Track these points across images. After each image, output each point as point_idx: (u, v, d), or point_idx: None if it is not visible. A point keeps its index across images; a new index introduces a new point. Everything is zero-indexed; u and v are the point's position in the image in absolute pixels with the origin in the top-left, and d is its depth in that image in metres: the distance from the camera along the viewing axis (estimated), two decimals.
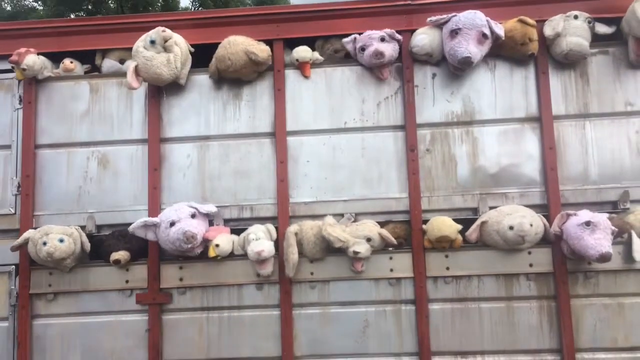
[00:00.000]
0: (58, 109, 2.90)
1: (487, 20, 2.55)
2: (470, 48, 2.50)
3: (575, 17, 2.63)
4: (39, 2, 11.52)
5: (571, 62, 2.68)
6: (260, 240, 2.59)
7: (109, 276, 2.73)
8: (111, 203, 2.81)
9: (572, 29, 2.61)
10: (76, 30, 2.90)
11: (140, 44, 2.64)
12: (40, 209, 2.82)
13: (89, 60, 2.96)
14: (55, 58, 2.93)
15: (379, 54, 2.59)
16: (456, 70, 2.68)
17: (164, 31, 2.60)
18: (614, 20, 2.67)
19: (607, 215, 2.50)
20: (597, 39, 2.72)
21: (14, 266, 2.74)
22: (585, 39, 2.62)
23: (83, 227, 2.77)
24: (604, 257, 2.31)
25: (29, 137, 2.84)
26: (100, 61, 2.95)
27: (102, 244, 2.75)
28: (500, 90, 2.74)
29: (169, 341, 2.72)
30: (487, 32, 2.54)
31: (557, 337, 2.57)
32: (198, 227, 2.55)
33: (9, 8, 11.90)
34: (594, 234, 2.37)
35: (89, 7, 9.48)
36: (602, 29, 2.68)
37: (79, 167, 2.84)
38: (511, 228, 2.48)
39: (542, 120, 2.67)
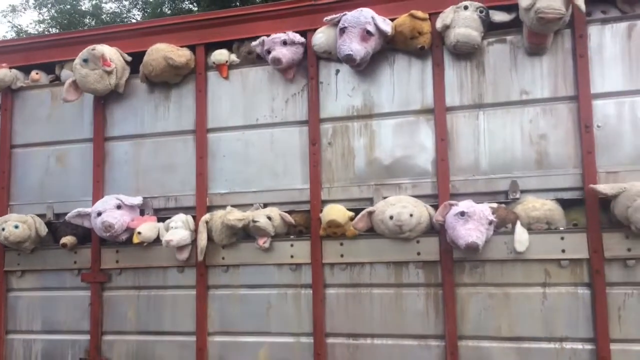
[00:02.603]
0: (28, 114, 3.90)
1: (372, 18, 3.07)
2: (352, 46, 3.05)
3: (465, 7, 3.06)
4: (194, 4, 13.35)
5: (464, 53, 3.08)
6: (177, 229, 3.36)
7: (61, 257, 3.67)
8: (66, 194, 3.74)
9: (461, 20, 3.04)
10: (38, 45, 3.86)
11: (77, 60, 3.51)
12: (14, 200, 3.81)
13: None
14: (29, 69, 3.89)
15: (276, 61, 3.24)
16: (354, 66, 3.21)
17: (93, 49, 3.43)
18: (514, 7, 3.00)
19: (488, 205, 2.91)
20: (497, 27, 3.10)
21: None
22: (475, 29, 3.03)
23: (44, 216, 3.69)
24: (470, 247, 2.77)
25: (6, 139, 3.84)
26: (60, 71, 3.87)
27: (56, 230, 3.68)
28: (399, 84, 3.25)
29: (108, 315, 3.60)
30: (372, 29, 3.06)
31: (442, 323, 3.03)
32: (120, 218, 3.38)
33: (168, 12, 13.89)
34: (467, 224, 2.82)
35: (237, 3, 10.91)
36: (498, 17, 3.08)
37: (42, 163, 3.82)
38: (391, 218, 3.00)
39: (435, 112, 3.12)
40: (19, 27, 18.91)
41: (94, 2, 17.94)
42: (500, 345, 2.99)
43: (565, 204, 2.98)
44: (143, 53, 3.59)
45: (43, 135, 3.88)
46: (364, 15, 3.10)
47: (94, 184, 3.70)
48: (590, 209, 2.87)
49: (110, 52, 3.60)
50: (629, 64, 2.94)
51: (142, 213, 3.62)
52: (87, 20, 17.51)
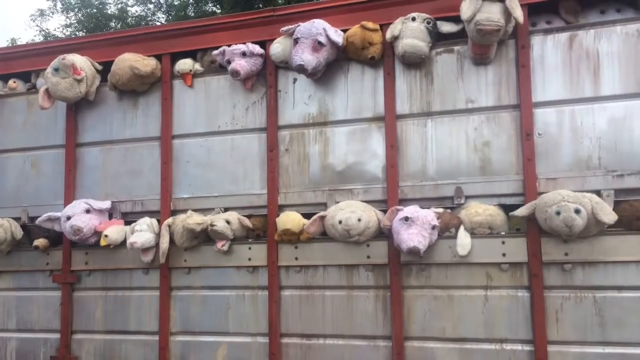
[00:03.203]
0: (5, 121, 4.17)
1: (323, 29, 3.28)
2: (304, 56, 3.27)
3: (413, 19, 3.26)
4: (217, 6, 13.77)
5: (412, 63, 3.28)
6: (141, 232, 3.60)
7: (35, 259, 3.94)
8: (40, 198, 4.00)
9: (408, 31, 3.24)
10: (15, 55, 4.13)
11: (49, 69, 3.77)
12: None
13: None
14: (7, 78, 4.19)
15: (234, 73, 3.47)
16: (309, 76, 3.43)
17: (63, 59, 3.68)
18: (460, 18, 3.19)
19: (434, 210, 3.11)
20: (445, 38, 3.30)
21: None
22: (422, 40, 3.23)
23: (19, 219, 3.96)
24: (412, 251, 2.97)
25: None
26: (36, 80, 4.14)
27: (30, 232, 3.95)
28: (352, 92, 3.45)
29: (77, 314, 3.86)
30: (323, 40, 3.27)
31: (390, 325, 3.22)
32: (88, 221, 3.63)
33: (192, 14, 14.37)
34: (410, 229, 3.02)
35: (260, 5, 11.27)
36: (446, 27, 3.28)
37: (18, 168, 4.09)
38: (340, 222, 3.21)
39: (386, 119, 3.32)
40: (46, 30, 19.51)
41: (119, 6, 18.47)
42: (444, 346, 3.18)
43: (509, 209, 3.15)
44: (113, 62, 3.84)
45: (19, 142, 4.14)
46: (316, 26, 3.31)
47: (65, 189, 3.95)
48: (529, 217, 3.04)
49: (81, 61, 3.85)
50: (569, 73, 3.11)
51: (110, 217, 3.85)
52: (113, 24, 18.00)
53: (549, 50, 3.15)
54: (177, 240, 3.58)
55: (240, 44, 3.59)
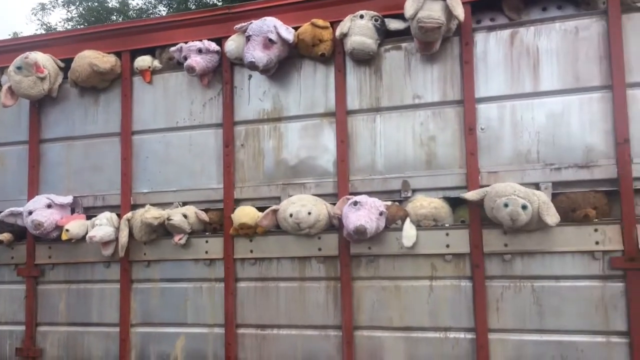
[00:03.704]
0: None
1: (274, 26, 3.38)
2: (255, 53, 3.37)
3: (361, 16, 3.36)
4: None
5: (361, 60, 3.39)
6: (101, 226, 3.72)
7: (0, 253, 4.02)
8: (4, 193, 4.11)
9: (356, 29, 3.35)
10: None
11: (11, 67, 3.86)
12: None
13: None
14: None
15: (190, 69, 3.57)
16: (262, 72, 3.54)
17: (26, 57, 3.78)
18: None
19: (383, 203, 3.22)
20: (394, 35, 3.41)
21: None
22: (369, 37, 3.34)
23: None
24: (358, 230, 3.07)
25: None
26: (0, 77, 4.24)
27: None
28: (305, 88, 3.57)
29: (42, 307, 3.97)
30: (274, 37, 3.38)
31: (340, 315, 3.35)
32: (50, 216, 3.74)
33: (193, 7, 14.39)
34: (358, 212, 3.14)
35: None
36: (394, 25, 3.39)
37: None
38: (291, 215, 3.33)
39: (337, 115, 3.44)
40: (47, 24, 19.53)
41: None
42: (391, 335, 3.31)
43: (455, 202, 3.28)
44: None
45: None
46: (267, 24, 3.41)
47: (29, 184, 4.06)
48: (472, 207, 3.16)
49: (44, 59, 3.95)
50: (510, 69, 3.23)
51: (73, 212, 3.97)
52: (114, 17, 18.02)
53: (491, 47, 3.26)
54: (136, 234, 3.69)
55: (196, 41, 3.67)
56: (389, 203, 3.31)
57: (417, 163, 3.33)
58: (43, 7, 19.67)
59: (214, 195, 3.69)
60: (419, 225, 3.24)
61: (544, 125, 3.13)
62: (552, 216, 2.89)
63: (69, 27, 18.43)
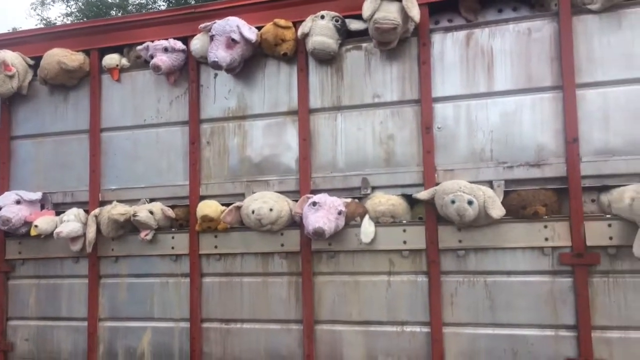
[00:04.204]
0: None
1: (237, 26, 3.47)
2: (218, 53, 3.46)
3: (322, 17, 3.46)
4: None
5: (322, 59, 3.49)
6: (68, 222, 3.81)
7: None
8: None
9: (317, 29, 3.44)
10: None
11: None
12: None
13: None
14: None
15: (155, 67, 3.66)
16: (226, 71, 3.63)
17: None
18: None
19: (343, 200, 3.33)
20: (356, 35, 3.50)
21: None
22: (330, 37, 3.43)
23: None
24: (317, 232, 3.17)
25: None
26: None
27: None
28: (269, 87, 3.66)
29: (12, 302, 4.06)
30: (236, 37, 3.47)
31: (302, 309, 3.46)
32: (18, 212, 3.83)
33: (192, 1, 14.35)
34: (317, 213, 3.24)
35: None
36: (355, 25, 3.48)
37: None
38: (253, 212, 3.43)
39: (299, 113, 3.53)
40: (47, 19, 19.49)
41: None
42: (350, 329, 3.42)
43: (414, 199, 3.37)
44: None
45: None
46: (230, 24, 3.50)
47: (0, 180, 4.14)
48: (428, 204, 3.27)
49: (12, 57, 4.03)
50: (466, 69, 3.33)
51: (43, 208, 4.05)
52: (114, 12, 18.00)
53: (448, 47, 3.36)
54: (104, 230, 3.78)
55: (163, 40, 3.76)
56: (349, 200, 3.40)
57: (376, 161, 3.43)
58: (43, 2, 19.63)
59: (181, 192, 3.78)
60: (377, 222, 3.34)
61: (498, 125, 3.24)
62: (496, 209, 3.00)
63: (69, 22, 18.40)
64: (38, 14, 20.02)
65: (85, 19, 17.09)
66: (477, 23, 3.35)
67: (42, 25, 18.48)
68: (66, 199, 4.02)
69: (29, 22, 27.40)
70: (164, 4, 17.67)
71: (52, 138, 4.12)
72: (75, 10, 18.77)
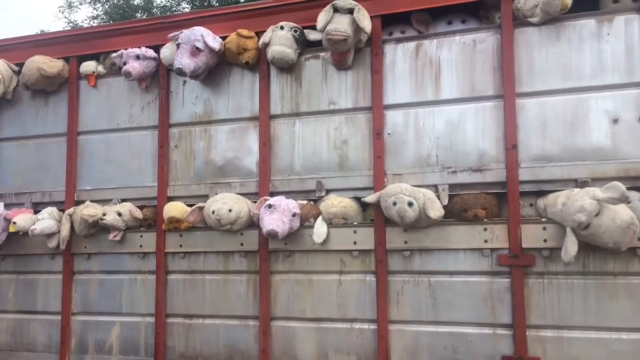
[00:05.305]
0: None
1: (201, 35, 3.72)
2: (183, 60, 3.71)
3: (282, 27, 3.69)
4: None
5: (282, 68, 3.73)
6: (43, 220, 4.08)
7: None
8: None
9: (277, 39, 3.68)
10: None
11: None
12: None
13: None
14: None
15: (126, 74, 3.92)
16: (192, 78, 3.88)
17: None
18: None
19: (299, 202, 3.55)
20: (315, 45, 3.74)
21: None
22: (289, 47, 3.67)
23: None
24: (270, 234, 3.40)
25: None
26: None
27: None
28: (233, 94, 3.90)
29: None
30: (200, 45, 3.72)
31: (259, 306, 3.68)
32: None
33: (216, 3, 14.82)
34: (272, 215, 3.47)
35: None
36: (313, 35, 3.71)
37: None
38: (213, 212, 3.67)
39: (260, 119, 3.77)
40: (74, 22, 20.09)
41: None
42: (304, 325, 3.62)
43: (366, 202, 3.58)
44: None
45: None
46: (195, 33, 3.75)
47: None
48: (377, 207, 3.48)
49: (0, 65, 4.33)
50: (415, 78, 3.54)
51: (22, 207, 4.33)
52: (139, 14, 18.49)
53: (399, 57, 3.58)
54: (77, 228, 4.05)
55: (135, 48, 4.02)
56: (305, 202, 3.62)
57: (330, 165, 3.65)
58: (70, 5, 20.19)
59: (150, 193, 4.03)
60: (330, 223, 3.56)
61: (443, 131, 3.44)
62: (435, 210, 3.20)
63: (95, 24, 18.91)
64: (65, 17, 20.60)
65: (111, 21, 17.56)
66: (427, 35, 3.55)
67: (69, 28, 19.01)
68: (44, 198, 4.29)
69: (57, 24, 28.07)
70: (187, 6, 18.05)
71: (33, 141, 4.40)
72: (102, 12, 19.27)
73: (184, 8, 18.17)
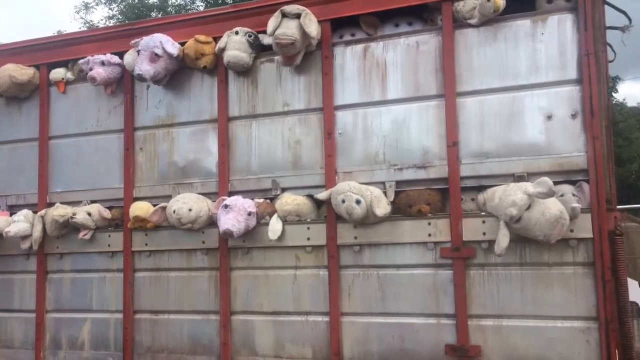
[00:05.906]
0: None
1: (160, 42, 3.90)
2: (142, 66, 3.90)
3: (236, 32, 3.87)
4: None
5: (238, 71, 3.90)
6: (17, 222, 4.29)
7: None
8: None
9: (232, 43, 3.85)
10: None
11: None
12: None
13: None
14: None
15: (91, 79, 4.11)
16: (154, 82, 4.07)
17: None
18: None
19: (255, 200, 3.74)
20: (270, 49, 3.91)
21: None
22: (243, 51, 3.84)
23: None
24: (226, 233, 3.59)
25: None
26: None
27: None
28: (194, 97, 4.09)
29: None
30: (159, 51, 3.90)
31: (219, 301, 3.87)
32: None
33: (230, 1, 15.05)
34: (228, 215, 3.65)
35: None
36: (267, 40, 3.87)
37: None
38: (174, 212, 3.86)
39: (219, 121, 3.96)
40: (90, 22, 20.42)
41: None
42: (262, 319, 3.80)
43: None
44: None
45: None
46: (153, 40, 3.93)
47: None
48: (329, 204, 3.64)
49: None
50: (363, 80, 3.70)
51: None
52: (154, 13, 18.75)
53: (348, 59, 3.74)
54: (48, 229, 4.25)
55: (101, 54, 4.22)
56: (261, 200, 3.80)
57: (285, 164, 3.82)
58: (86, 6, 20.50)
59: (117, 194, 4.22)
60: (285, 220, 3.73)
61: (389, 130, 3.60)
62: (381, 208, 3.37)
63: (111, 24, 19.17)
64: (82, 17, 20.89)
65: (126, 21, 17.80)
66: (374, 37, 3.71)
67: (85, 29, 19.30)
68: (19, 201, 4.50)
69: (74, 25, 28.43)
70: (202, 4, 18.27)
71: (7, 145, 4.59)
72: (117, 12, 19.55)
73: (198, 6, 18.39)
